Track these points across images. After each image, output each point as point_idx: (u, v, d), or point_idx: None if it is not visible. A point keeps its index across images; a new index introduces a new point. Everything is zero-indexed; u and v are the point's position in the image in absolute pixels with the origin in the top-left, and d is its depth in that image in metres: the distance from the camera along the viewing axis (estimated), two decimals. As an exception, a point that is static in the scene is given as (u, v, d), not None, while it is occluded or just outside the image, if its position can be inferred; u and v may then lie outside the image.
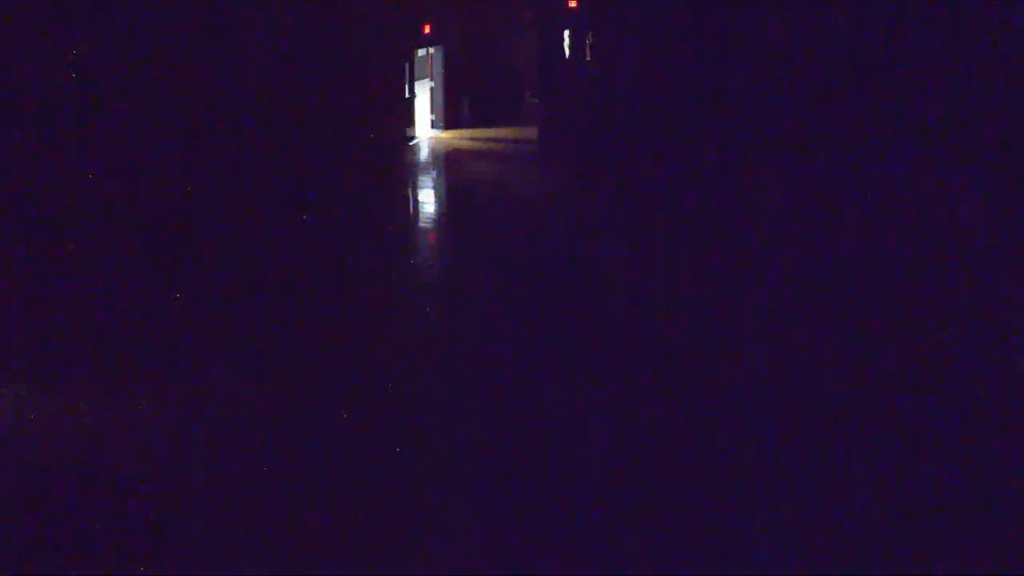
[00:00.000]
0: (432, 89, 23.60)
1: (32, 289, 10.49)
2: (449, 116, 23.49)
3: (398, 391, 8.53)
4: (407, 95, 21.36)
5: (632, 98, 16.07)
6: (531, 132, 20.97)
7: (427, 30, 22.09)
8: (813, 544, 5.94)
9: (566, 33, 19.06)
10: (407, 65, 21.25)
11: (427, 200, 16.78)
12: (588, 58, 18.49)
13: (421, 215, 15.61)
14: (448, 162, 19.63)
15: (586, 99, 18.32)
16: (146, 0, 12.82)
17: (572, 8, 19.23)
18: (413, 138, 21.76)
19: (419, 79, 22.46)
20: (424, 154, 20.50)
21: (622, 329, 9.90)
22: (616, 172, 16.89)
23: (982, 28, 9.27)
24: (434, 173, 18.82)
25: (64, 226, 11.20)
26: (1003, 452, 7.03)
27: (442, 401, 8.34)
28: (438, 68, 23.32)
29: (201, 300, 10.83)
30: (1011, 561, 5.77)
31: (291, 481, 6.91)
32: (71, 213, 11.33)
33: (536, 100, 21.67)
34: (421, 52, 22.77)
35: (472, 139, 22.14)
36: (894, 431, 7.41)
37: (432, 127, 23.48)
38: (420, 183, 18.05)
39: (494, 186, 17.08)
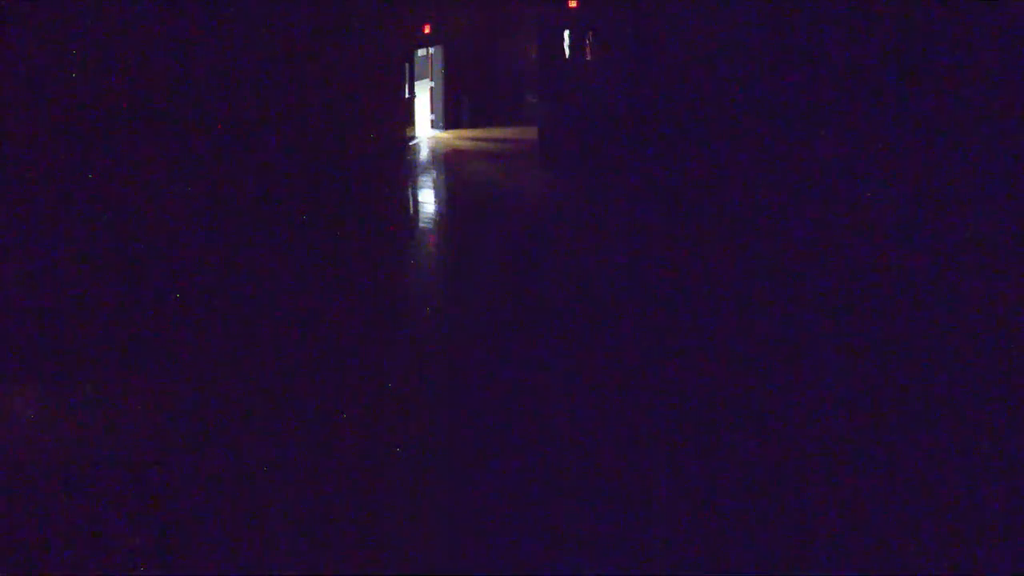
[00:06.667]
0: (432, 89, 23.59)
1: (30, 288, 10.48)
2: (449, 116, 23.47)
3: (398, 390, 8.52)
4: (407, 95, 21.35)
5: (631, 97, 16.06)
6: (531, 132, 20.94)
7: (427, 30, 22.09)
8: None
9: (566, 33, 19.06)
10: (407, 65, 21.24)
11: (427, 200, 16.78)
12: (588, 58, 18.49)
13: (421, 214, 15.60)
14: (448, 162, 19.62)
15: (586, 99, 18.32)
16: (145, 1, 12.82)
17: (572, 8, 19.23)
18: (413, 138, 21.75)
19: (419, 79, 22.44)
20: (424, 154, 20.49)
21: (619, 329, 9.88)
22: (616, 171, 16.88)
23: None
24: (434, 173, 18.80)
25: (63, 225, 11.19)
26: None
27: (441, 401, 8.33)
28: (438, 68, 23.30)
29: (201, 300, 10.82)
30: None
31: (290, 480, 6.90)
32: (72, 212, 11.32)
33: (536, 100, 21.64)
34: (421, 52, 22.75)
35: (472, 139, 22.13)
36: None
37: (432, 127, 23.47)
38: (420, 183, 18.03)
39: (494, 185, 17.07)
